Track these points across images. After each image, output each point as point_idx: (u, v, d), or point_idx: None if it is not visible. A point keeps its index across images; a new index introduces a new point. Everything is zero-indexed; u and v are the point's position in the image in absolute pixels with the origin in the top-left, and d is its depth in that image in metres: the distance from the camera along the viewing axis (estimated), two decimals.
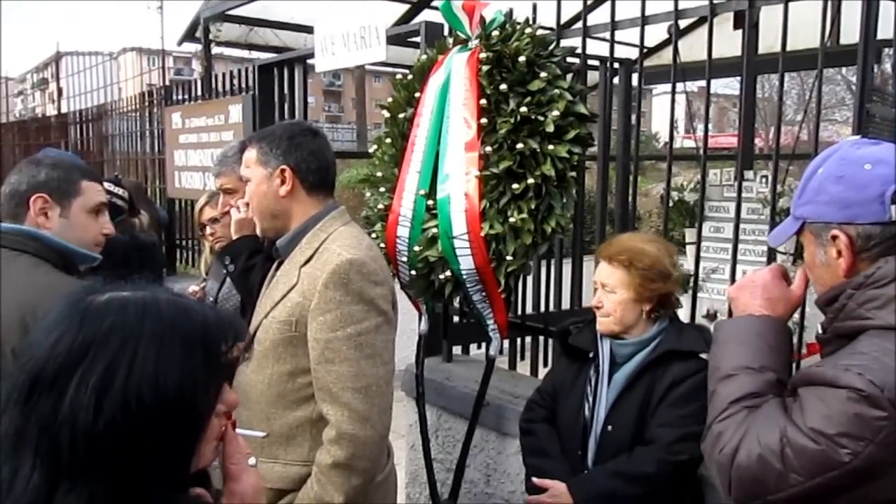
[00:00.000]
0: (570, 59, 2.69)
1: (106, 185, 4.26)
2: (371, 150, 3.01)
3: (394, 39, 3.70)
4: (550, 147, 2.47)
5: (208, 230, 3.28)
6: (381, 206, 2.82)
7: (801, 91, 19.16)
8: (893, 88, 2.29)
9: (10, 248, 1.92)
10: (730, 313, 2.14)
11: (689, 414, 2.04)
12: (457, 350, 3.66)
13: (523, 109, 2.47)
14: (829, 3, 4.04)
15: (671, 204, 7.13)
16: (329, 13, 3.89)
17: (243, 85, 5.34)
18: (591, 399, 2.23)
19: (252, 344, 2.03)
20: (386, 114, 2.94)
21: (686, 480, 2.13)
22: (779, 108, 2.51)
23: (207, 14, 6.23)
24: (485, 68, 2.57)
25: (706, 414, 2.14)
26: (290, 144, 2.03)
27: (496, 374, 3.02)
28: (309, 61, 4.61)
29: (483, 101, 2.56)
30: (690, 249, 4.83)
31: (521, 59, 2.51)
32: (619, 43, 3.10)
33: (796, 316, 2.30)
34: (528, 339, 3.67)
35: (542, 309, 3.78)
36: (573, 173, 2.55)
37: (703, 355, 2.23)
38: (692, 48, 4.95)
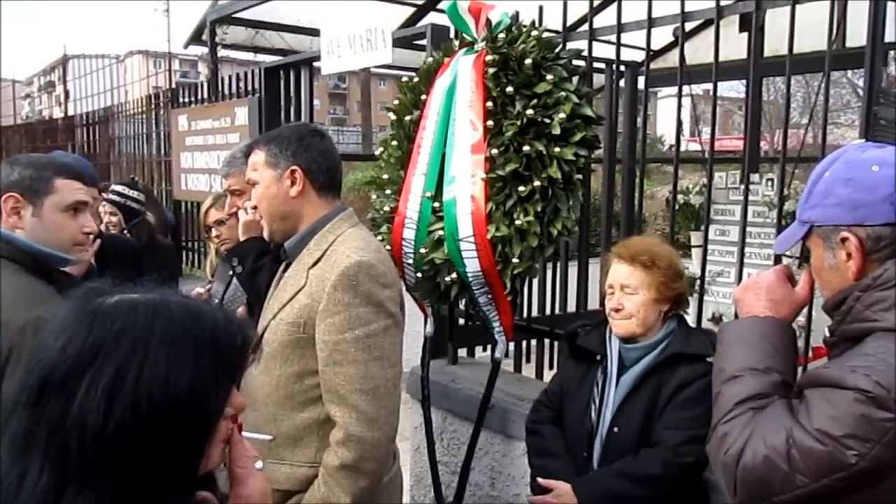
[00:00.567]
0: (576, 62, 2.69)
1: (120, 187, 4.31)
2: (377, 153, 3.01)
3: (400, 42, 3.70)
4: (556, 149, 2.47)
5: (214, 232, 3.29)
6: (386, 208, 2.83)
7: (806, 94, 19.12)
8: None
9: None
10: (736, 316, 2.14)
11: (696, 417, 2.04)
12: (462, 352, 3.66)
13: (529, 112, 2.47)
14: (836, 6, 4.04)
15: (677, 207, 7.13)
16: (335, 16, 3.90)
17: (249, 87, 5.36)
18: (597, 401, 2.23)
19: (260, 345, 2.03)
20: (392, 116, 2.95)
21: (691, 483, 2.13)
22: (786, 111, 2.50)
23: (214, 17, 6.25)
24: (491, 71, 2.58)
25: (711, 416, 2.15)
26: (299, 145, 2.03)
27: (501, 376, 3.02)
28: (315, 64, 4.62)
29: (489, 104, 2.56)
30: (696, 252, 4.82)
31: (528, 61, 2.51)
32: (625, 46, 3.09)
33: (802, 319, 2.30)
34: (533, 342, 3.67)
35: (548, 311, 3.78)
36: (579, 176, 2.55)
37: (710, 359, 2.23)
38: (697, 50, 4.95)
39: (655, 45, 7.36)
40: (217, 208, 3.28)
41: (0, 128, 13.10)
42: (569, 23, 3.13)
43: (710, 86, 2.75)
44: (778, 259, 2.65)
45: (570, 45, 2.91)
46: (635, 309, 2.20)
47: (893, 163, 1.36)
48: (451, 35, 3.02)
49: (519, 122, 2.49)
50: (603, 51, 3.31)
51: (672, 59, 5.94)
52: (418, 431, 3.41)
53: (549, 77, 2.51)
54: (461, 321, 3.59)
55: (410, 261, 2.73)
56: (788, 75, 2.45)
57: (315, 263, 1.99)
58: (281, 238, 2.10)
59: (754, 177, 6.50)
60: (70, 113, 10.22)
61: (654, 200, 14.08)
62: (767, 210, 4.64)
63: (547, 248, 2.55)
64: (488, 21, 2.70)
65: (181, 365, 0.94)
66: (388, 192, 2.85)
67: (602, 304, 2.38)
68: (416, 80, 2.89)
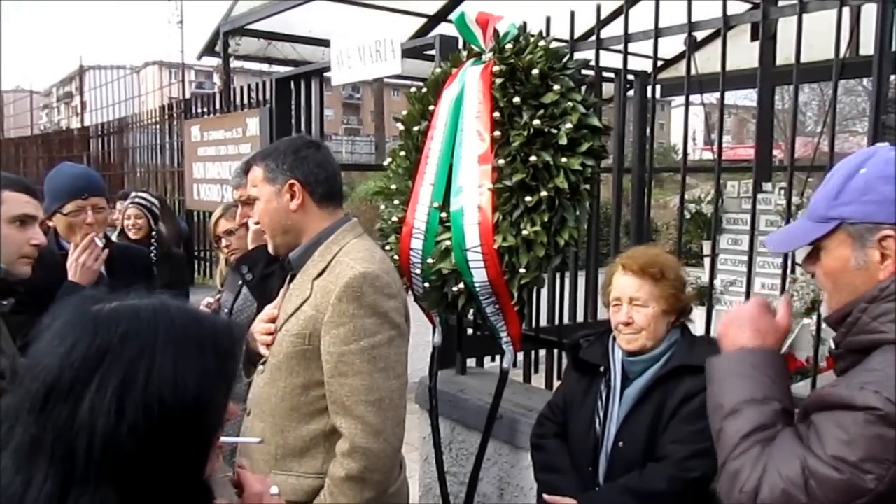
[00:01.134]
0: (586, 72, 2.69)
1: (141, 193, 4.49)
2: (386, 163, 3.02)
3: (409, 53, 3.72)
4: (563, 159, 2.47)
5: (223, 242, 3.31)
6: (395, 218, 2.83)
7: (821, 102, 19.02)
8: None
9: None
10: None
11: (701, 430, 2.01)
12: (471, 362, 3.66)
13: (536, 122, 2.47)
14: (849, 14, 4.01)
15: (688, 216, 7.11)
16: (346, 27, 3.93)
17: (261, 98, 5.39)
18: (601, 414, 2.21)
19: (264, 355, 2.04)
20: (401, 126, 2.96)
21: (698, 497, 2.10)
22: (793, 119, 2.49)
23: (227, 28, 6.31)
24: (498, 81, 2.58)
25: None
26: (295, 158, 2.03)
27: (510, 387, 3.01)
28: (325, 74, 4.65)
29: (496, 114, 2.57)
30: (709, 262, 4.79)
31: (535, 71, 2.51)
32: (636, 55, 3.09)
33: (811, 325, 2.27)
34: (542, 352, 3.66)
35: (557, 321, 3.77)
36: (586, 186, 2.54)
37: None
38: (710, 59, 4.93)
39: (668, 54, 7.37)
40: (227, 218, 3.30)
41: (11, 138, 13.27)
42: (578, 33, 3.13)
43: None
44: (786, 268, 2.63)
45: (578, 56, 2.91)
46: (646, 322, 2.16)
47: None
48: (460, 46, 3.03)
49: (526, 133, 2.49)
50: (614, 61, 3.31)
51: (684, 68, 5.92)
52: (427, 441, 3.41)
53: (556, 87, 2.50)
54: (469, 331, 3.58)
55: (418, 271, 2.73)
56: (796, 84, 2.44)
57: (320, 274, 1.99)
58: (285, 251, 2.10)
59: (767, 185, 6.47)
60: (87, 123, 10.32)
61: (668, 210, 14.02)
62: (780, 219, 4.61)
63: (554, 259, 2.55)
64: (496, 32, 2.71)
65: (187, 367, 0.96)
66: (396, 202, 2.85)
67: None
68: (424, 90, 2.90)
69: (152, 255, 3.96)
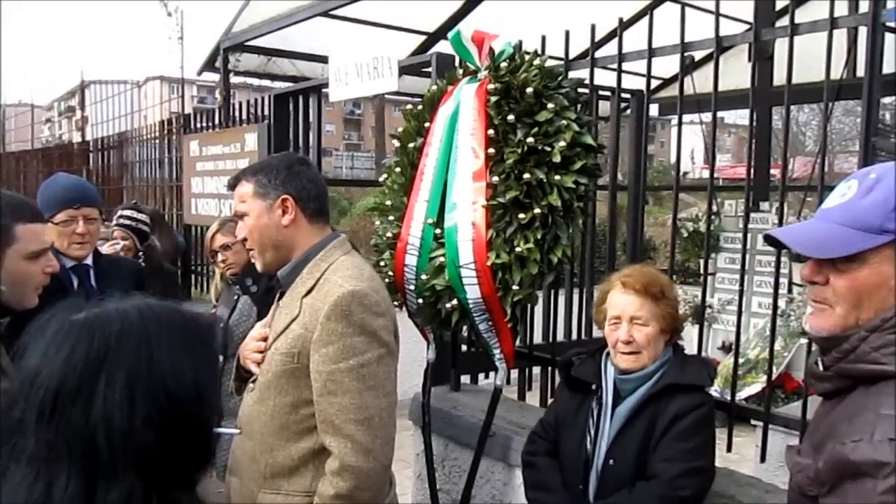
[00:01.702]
0: (581, 90, 2.70)
1: (128, 212, 4.34)
2: (381, 179, 3.04)
3: (407, 70, 3.75)
4: (557, 177, 2.48)
5: (220, 257, 3.32)
6: (389, 234, 2.84)
7: (820, 122, 19.09)
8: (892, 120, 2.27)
9: None
10: (737, 349, 2.08)
11: (692, 449, 2.01)
12: (465, 379, 3.65)
13: (530, 140, 2.49)
14: (845, 36, 4.04)
15: (686, 234, 7.11)
16: (345, 44, 3.95)
17: (260, 113, 5.41)
18: (592, 432, 2.20)
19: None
20: (397, 143, 2.98)
21: None
22: (784, 140, 2.50)
23: (227, 44, 6.35)
24: (493, 99, 2.60)
25: (708, 448, 2.10)
26: (289, 174, 2.03)
27: (503, 404, 3.00)
28: (324, 90, 4.67)
29: (491, 132, 2.58)
30: (703, 280, 4.79)
31: (529, 90, 2.53)
32: (633, 74, 3.11)
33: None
34: (537, 370, 3.65)
35: (551, 339, 3.76)
36: (580, 203, 2.55)
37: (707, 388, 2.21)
38: (708, 79, 4.96)
39: (666, 74, 7.43)
40: (223, 233, 3.31)
41: (12, 152, 13.32)
42: (576, 52, 3.15)
43: (722, 113, 2.75)
44: (777, 287, 2.63)
45: (574, 74, 2.93)
46: (646, 342, 2.16)
47: None
48: (456, 64, 3.05)
49: (520, 150, 2.51)
50: (611, 80, 3.34)
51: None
52: (419, 458, 3.39)
53: (551, 105, 2.52)
54: (464, 348, 3.58)
55: (412, 287, 2.74)
56: (787, 105, 2.45)
57: (308, 292, 1.98)
58: (275, 268, 2.09)
59: (764, 205, 6.50)
60: (89, 137, 10.35)
61: (666, 228, 14.02)
62: None
63: (547, 276, 2.55)
64: (491, 50, 2.72)
65: (181, 356, 1.03)
66: (391, 218, 2.86)
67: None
68: (419, 107, 2.92)
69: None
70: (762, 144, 6.15)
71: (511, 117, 2.54)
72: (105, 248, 3.78)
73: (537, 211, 2.48)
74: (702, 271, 7.23)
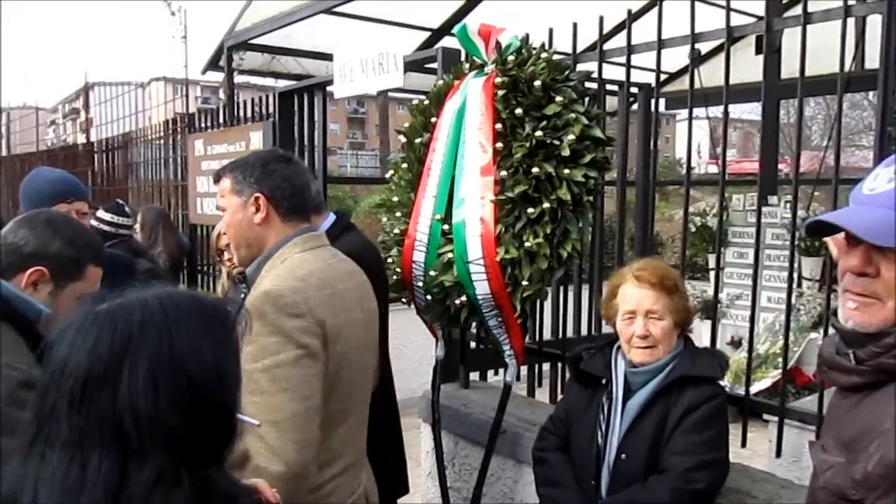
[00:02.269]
0: (588, 84, 2.67)
1: (102, 213, 4.21)
2: (388, 175, 3.01)
3: (412, 66, 3.72)
4: (566, 171, 2.45)
5: (226, 255, 3.30)
6: (397, 230, 2.82)
7: (826, 116, 19.01)
8: None
9: None
10: (751, 343, 2.05)
11: (705, 441, 1.99)
12: (474, 376, 3.62)
13: (539, 134, 2.46)
14: (853, 28, 4.00)
15: (693, 229, 7.07)
16: (349, 40, 3.93)
17: (265, 112, 5.39)
18: (603, 427, 2.18)
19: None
20: (403, 139, 2.95)
21: None
22: (798, 133, 2.46)
23: (230, 43, 6.33)
24: (500, 93, 2.57)
25: (721, 440, 2.08)
26: (263, 172, 2.02)
27: (513, 401, 2.98)
28: (329, 88, 4.64)
29: (498, 126, 2.56)
30: (713, 275, 4.76)
31: (537, 83, 2.50)
32: (640, 68, 3.07)
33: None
34: (546, 366, 3.63)
35: (561, 335, 3.74)
36: (589, 197, 2.53)
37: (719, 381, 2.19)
38: (716, 72, 4.93)
39: (673, 67, 7.38)
40: None
41: (17, 154, 13.34)
42: (582, 45, 3.11)
43: (729, 107, 2.72)
44: (792, 282, 2.59)
45: (581, 67, 2.90)
46: (662, 335, 2.15)
47: None
48: (462, 58, 3.02)
49: (528, 144, 2.48)
50: (618, 73, 3.31)
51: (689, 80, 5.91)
52: (429, 456, 3.37)
53: (559, 99, 2.49)
54: (473, 344, 3.56)
55: (420, 283, 2.71)
56: (801, 97, 2.41)
57: None
58: (249, 264, 2.08)
59: (773, 199, 6.47)
60: (93, 139, 10.35)
61: (674, 223, 13.99)
62: (786, 232, 4.58)
63: (556, 271, 2.52)
64: (498, 44, 2.70)
65: (201, 341, 1.08)
66: (398, 214, 2.84)
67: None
68: (426, 102, 2.89)
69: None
70: (770, 138, 6.11)
71: (519, 111, 2.51)
72: None
73: (546, 205, 2.45)
74: (710, 266, 7.20)
